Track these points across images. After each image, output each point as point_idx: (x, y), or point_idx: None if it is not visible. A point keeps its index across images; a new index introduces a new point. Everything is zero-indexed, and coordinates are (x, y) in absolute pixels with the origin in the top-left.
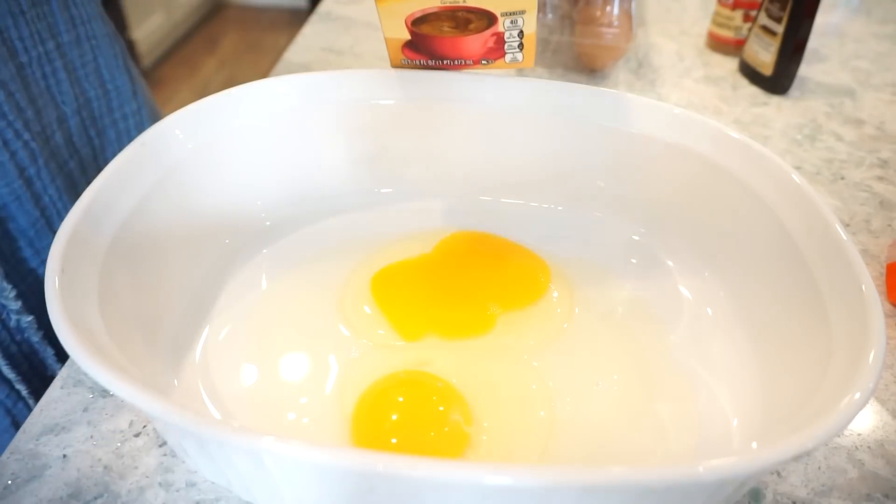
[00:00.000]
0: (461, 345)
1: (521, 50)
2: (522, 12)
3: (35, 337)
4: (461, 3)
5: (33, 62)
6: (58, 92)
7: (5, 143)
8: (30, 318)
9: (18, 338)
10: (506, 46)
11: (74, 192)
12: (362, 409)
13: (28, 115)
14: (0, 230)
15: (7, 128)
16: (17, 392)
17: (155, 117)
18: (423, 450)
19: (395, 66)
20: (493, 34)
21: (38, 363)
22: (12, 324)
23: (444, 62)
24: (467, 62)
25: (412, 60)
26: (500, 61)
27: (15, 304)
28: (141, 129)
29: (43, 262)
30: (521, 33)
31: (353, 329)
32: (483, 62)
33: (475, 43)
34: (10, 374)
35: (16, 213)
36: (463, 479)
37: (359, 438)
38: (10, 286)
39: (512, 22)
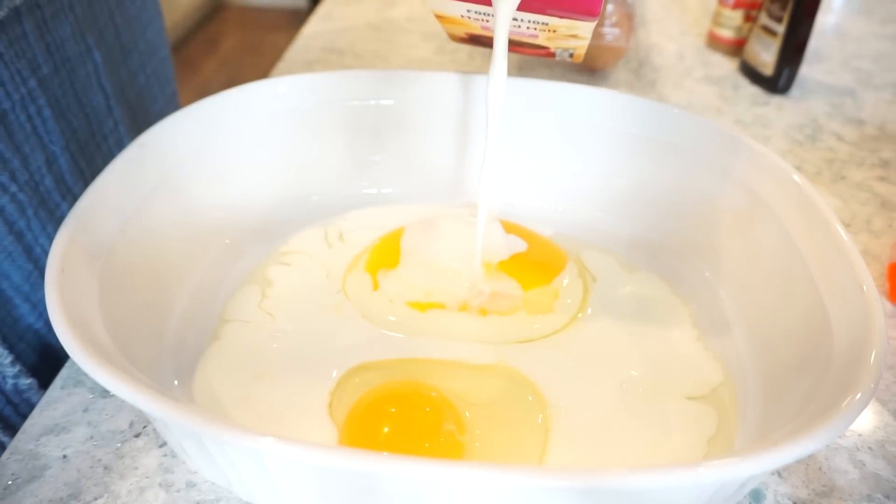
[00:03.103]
0: (458, 352)
1: (571, 57)
2: (575, 48)
3: (36, 397)
4: (518, 37)
5: (16, 106)
6: (44, 132)
7: None
8: (29, 380)
9: (16, 399)
10: (556, 55)
11: None
12: (351, 421)
13: (14, 166)
14: None
15: None
16: None
17: (137, 128)
18: None
19: (454, 41)
20: (546, 53)
21: None
22: (8, 387)
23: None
24: (520, 53)
25: (467, 44)
26: (548, 57)
27: (11, 369)
28: (121, 145)
29: (41, 317)
30: (571, 55)
31: (353, 330)
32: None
33: (528, 52)
34: (3, 437)
35: (9, 270)
36: (463, 480)
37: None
38: (6, 350)
39: (564, 50)
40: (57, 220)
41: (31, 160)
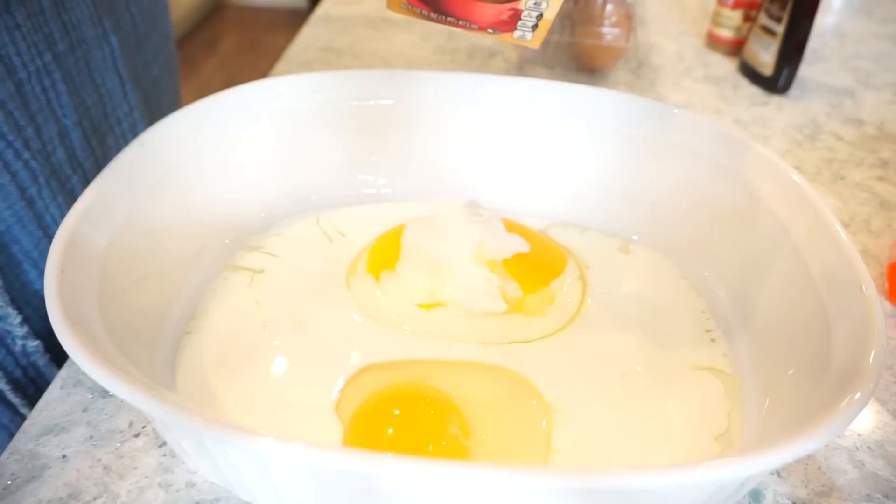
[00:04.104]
0: (461, 348)
1: (533, 30)
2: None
3: (41, 360)
4: None
5: (32, 77)
6: (58, 105)
7: (5, 165)
8: (36, 342)
9: (24, 362)
10: (519, 23)
11: None
12: (357, 422)
13: (28, 134)
14: (3, 255)
15: (7, 148)
16: (23, 416)
17: (151, 116)
18: None
19: (391, 9)
20: (511, 9)
21: (45, 386)
22: (17, 349)
23: (448, 19)
24: (472, 26)
25: (413, 7)
26: (506, 35)
27: (21, 330)
28: (134, 130)
29: None
30: (540, 15)
31: (355, 328)
32: (489, 31)
33: (490, 11)
34: (14, 398)
35: (19, 235)
36: (462, 480)
37: None
38: (14, 311)
39: (535, 3)
40: (67, 192)
41: (45, 131)
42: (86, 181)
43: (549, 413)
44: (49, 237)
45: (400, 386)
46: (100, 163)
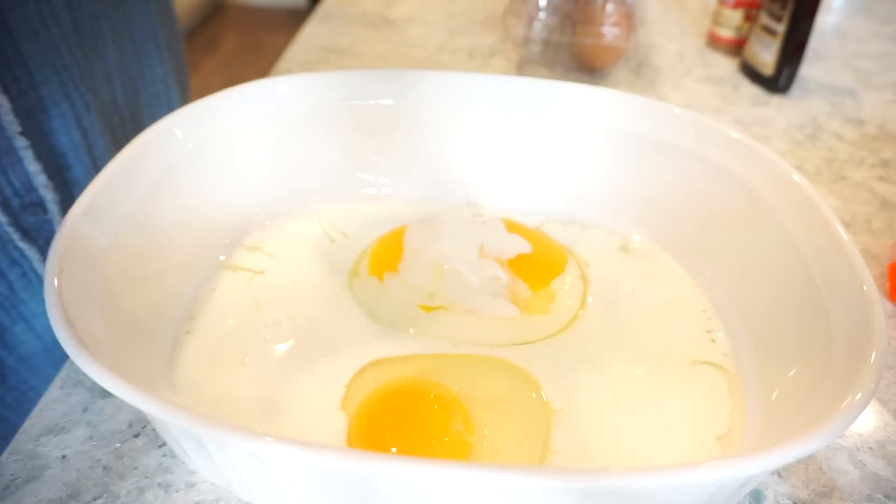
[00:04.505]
0: (463, 348)
1: None
2: None
3: None
4: None
5: (85, 20)
6: (104, 52)
7: (67, 93)
8: None
9: None
10: None
11: (116, 149)
12: (361, 417)
13: (83, 69)
14: (58, 178)
15: (69, 78)
16: None
17: (182, 86)
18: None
19: None
20: None
21: None
22: None
23: None
24: None
25: None
26: None
27: None
28: (168, 94)
29: None
30: None
31: (358, 328)
32: None
33: None
34: None
35: (73, 162)
36: (462, 480)
37: (357, 447)
38: None
39: None
40: (111, 130)
41: (95, 69)
42: (123, 126)
43: (549, 407)
44: (96, 169)
45: (404, 381)
46: (133, 114)
